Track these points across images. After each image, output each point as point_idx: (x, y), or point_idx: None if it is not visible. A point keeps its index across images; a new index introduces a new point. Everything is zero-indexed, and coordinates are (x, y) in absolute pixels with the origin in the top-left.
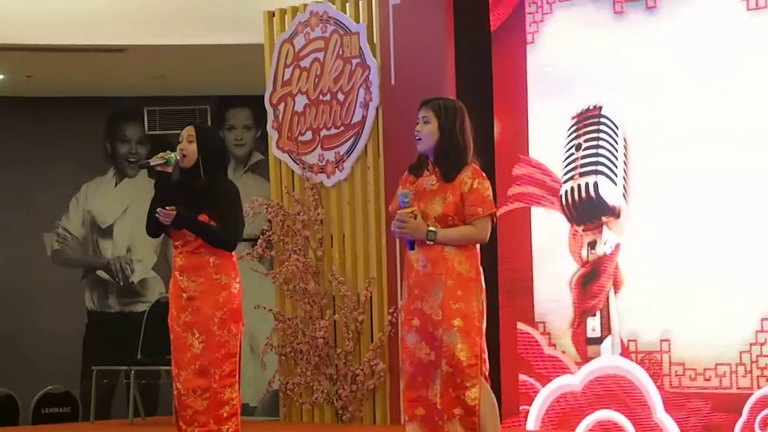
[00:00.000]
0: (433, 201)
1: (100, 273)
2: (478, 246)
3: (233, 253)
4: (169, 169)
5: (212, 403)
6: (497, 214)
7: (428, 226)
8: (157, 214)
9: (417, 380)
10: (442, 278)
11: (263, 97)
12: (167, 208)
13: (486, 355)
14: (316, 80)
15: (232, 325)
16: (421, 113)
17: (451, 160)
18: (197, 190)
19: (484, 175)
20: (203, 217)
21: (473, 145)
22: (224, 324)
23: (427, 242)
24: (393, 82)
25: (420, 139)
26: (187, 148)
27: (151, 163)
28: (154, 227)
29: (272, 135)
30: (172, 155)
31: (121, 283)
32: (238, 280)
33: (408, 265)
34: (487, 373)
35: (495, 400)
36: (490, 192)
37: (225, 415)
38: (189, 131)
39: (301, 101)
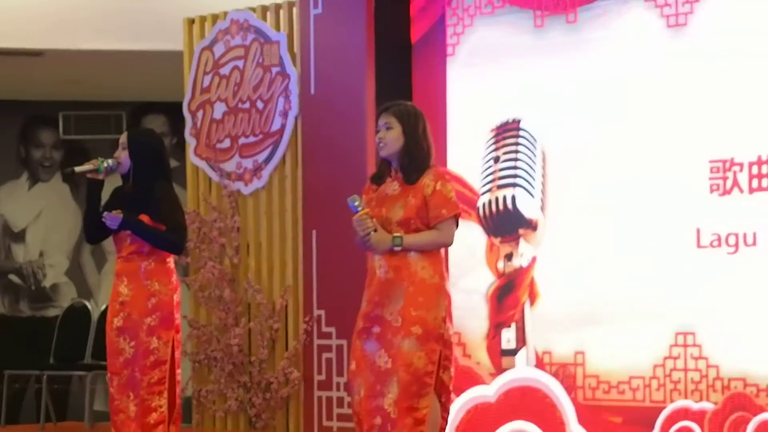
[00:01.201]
0: (394, 205)
1: (12, 277)
2: (442, 251)
3: (169, 259)
4: (100, 177)
5: (140, 410)
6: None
7: (392, 233)
8: (103, 219)
9: (376, 389)
10: (404, 284)
11: (180, 104)
12: (113, 212)
13: (450, 363)
14: (236, 88)
15: (163, 333)
16: (382, 120)
17: (415, 163)
18: (132, 195)
19: (446, 177)
20: (142, 218)
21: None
22: (153, 331)
23: (394, 249)
24: (312, 91)
25: (384, 145)
26: (121, 155)
27: (77, 171)
28: (93, 232)
29: (190, 142)
30: (103, 163)
31: (33, 288)
32: (171, 287)
33: (370, 272)
34: (450, 386)
35: (439, 413)
36: (453, 194)
37: (152, 422)
38: (122, 138)
39: (219, 109)
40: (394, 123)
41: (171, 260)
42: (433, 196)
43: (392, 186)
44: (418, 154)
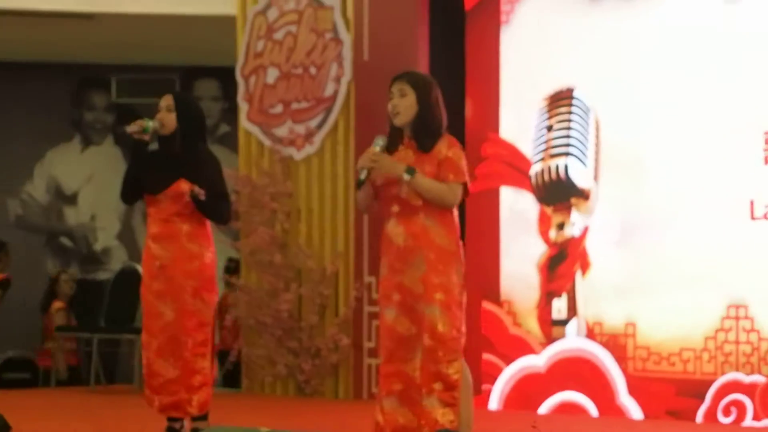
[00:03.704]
0: None
1: (63, 240)
2: (456, 218)
3: (208, 222)
4: (147, 137)
5: (183, 372)
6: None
7: (407, 200)
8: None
9: (396, 355)
10: (424, 252)
11: (232, 69)
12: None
13: (464, 329)
14: (289, 53)
15: (205, 294)
16: (395, 87)
17: (429, 131)
18: (175, 158)
19: (459, 145)
20: (183, 183)
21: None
22: (197, 293)
23: (404, 178)
24: (366, 57)
25: (398, 113)
26: (166, 117)
27: (128, 130)
28: (131, 194)
29: (242, 107)
30: (150, 124)
31: (84, 251)
32: (211, 250)
33: (387, 240)
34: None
35: (470, 378)
36: (463, 162)
37: (196, 384)
38: (168, 100)
39: (272, 74)
40: (407, 90)
41: (209, 222)
42: (445, 160)
43: (406, 154)
44: (432, 122)
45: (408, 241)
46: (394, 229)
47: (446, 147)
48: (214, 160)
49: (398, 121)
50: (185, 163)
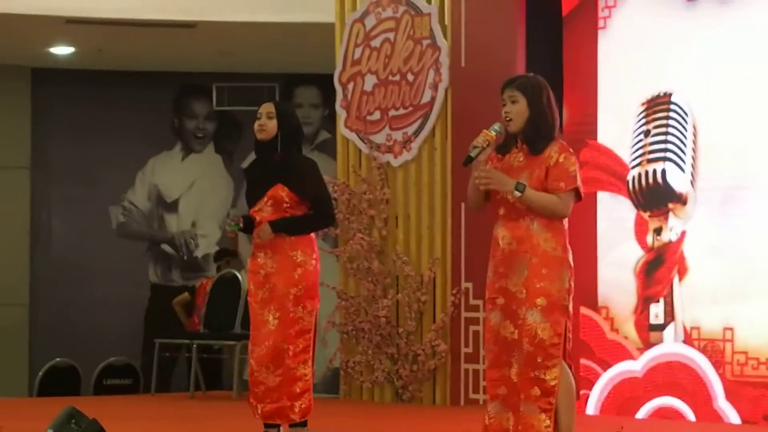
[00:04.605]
0: (519, 176)
1: (165, 247)
2: (565, 224)
3: None
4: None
5: (285, 379)
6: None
7: (515, 204)
8: (258, 238)
9: (501, 359)
10: (527, 256)
11: (331, 76)
12: (255, 231)
13: (571, 335)
14: (386, 60)
15: (307, 302)
16: (506, 93)
17: (540, 134)
18: (273, 164)
19: (571, 150)
20: (279, 189)
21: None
22: (299, 301)
23: (514, 194)
24: (463, 63)
25: (511, 119)
26: (267, 123)
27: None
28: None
29: (341, 114)
30: (232, 225)
31: (185, 258)
32: (315, 257)
33: (493, 244)
34: (569, 354)
35: (573, 383)
36: (575, 168)
37: (298, 390)
38: (269, 108)
39: (370, 81)
40: (518, 96)
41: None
42: (555, 167)
43: (517, 157)
44: (544, 125)
45: (513, 245)
46: (501, 232)
47: (557, 152)
48: (310, 163)
49: (511, 128)
50: (283, 169)
